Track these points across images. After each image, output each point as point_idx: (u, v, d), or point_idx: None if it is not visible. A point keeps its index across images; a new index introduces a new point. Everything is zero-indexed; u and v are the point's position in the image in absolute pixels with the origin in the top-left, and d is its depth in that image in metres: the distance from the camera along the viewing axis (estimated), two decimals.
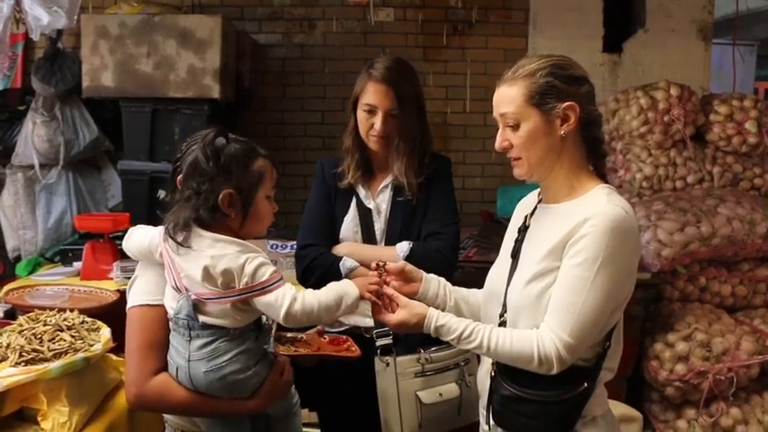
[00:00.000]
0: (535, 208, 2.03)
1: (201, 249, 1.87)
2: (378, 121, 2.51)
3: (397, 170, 2.58)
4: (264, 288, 1.88)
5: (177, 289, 1.90)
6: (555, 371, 1.79)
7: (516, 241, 2.02)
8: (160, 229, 1.96)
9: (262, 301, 1.89)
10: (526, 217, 2.04)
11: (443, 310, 2.07)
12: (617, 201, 1.83)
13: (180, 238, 1.87)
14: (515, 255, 1.99)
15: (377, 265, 2.13)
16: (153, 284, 1.98)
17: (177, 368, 1.92)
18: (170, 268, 1.91)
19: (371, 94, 2.53)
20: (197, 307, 1.88)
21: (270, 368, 2.00)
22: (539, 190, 2.06)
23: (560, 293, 1.80)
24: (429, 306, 2.01)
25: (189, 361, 1.89)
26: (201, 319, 1.88)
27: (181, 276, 1.89)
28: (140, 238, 2.01)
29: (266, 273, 1.88)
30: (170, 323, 1.93)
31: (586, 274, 1.76)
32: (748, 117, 3.71)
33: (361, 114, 2.56)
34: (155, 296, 1.96)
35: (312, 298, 1.93)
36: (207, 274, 1.85)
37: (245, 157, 1.93)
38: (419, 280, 2.15)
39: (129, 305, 2.00)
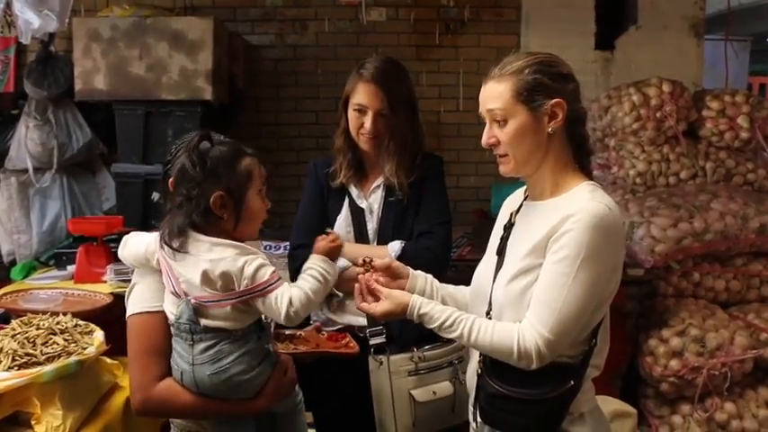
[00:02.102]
0: (521, 205, 2.04)
1: (200, 254, 1.88)
2: (368, 120, 2.52)
3: (387, 170, 2.58)
4: (265, 288, 1.90)
5: (176, 294, 1.91)
6: (534, 366, 1.79)
7: (502, 238, 2.02)
8: (155, 235, 1.97)
9: (263, 303, 1.91)
10: (512, 214, 2.05)
11: None
12: (600, 197, 1.83)
13: (176, 244, 1.88)
14: (501, 252, 2.00)
15: (363, 261, 2.15)
16: (151, 291, 1.98)
17: (182, 372, 1.93)
18: (168, 274, 1.92)
19: (362, 94, 2.53)
20: (198, 311, 1.89)
21: (273, 367, 2.02)
22: (525, 187, 2.06)
23: (542, 289, 1.80)
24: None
25: (193, 365, 1.90)
26: (203, 322, 1.89)
27: (180, 281, 1.90)
28: (136, 245, 2.01)
29: (266, 273, 1.90)
30: (171, 328, 1.94)
31: (568, 271, 1.76)
32: (740, 112, 3.72)
33: (351, 114, 2.56)
34: (153, 303, 1.97)
35: (299, 292, 1.95)
36: (206, 278, 1.86)
37: (232, 157, 1.94)
38: (406, 277, 2.16)
39: (128, 313, 2.00)
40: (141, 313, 1.98)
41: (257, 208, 1.99)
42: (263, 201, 2.01)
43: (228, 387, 1.93)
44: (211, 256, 1.87)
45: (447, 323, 1.89)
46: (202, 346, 1.90)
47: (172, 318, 1.93)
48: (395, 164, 2.56)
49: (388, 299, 2.01)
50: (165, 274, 1.93)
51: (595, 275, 1.78)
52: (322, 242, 2.10)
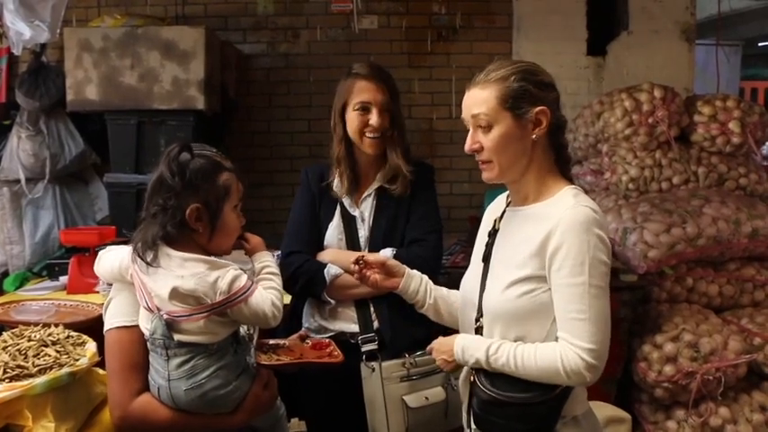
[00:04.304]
0: (504, 211, 2.05)
1: (171, 269, 1.88)
2: (374, 116, 2.52)
3: (395, 158, 2.59)
4: (245, 293, 1.90)
5: (150, 309, 1.90)
6: (590, 380, 1.80)
7: (487, 245, 2.03)
8: (129, 249, 1.96)
9: (244, 312, 1.91)
10: (495, 221, 2.06)
11: (422, 307, 2.19)
12: (584, 201, 1.86)
13: (149, 258, 1.87)
14: (486, 259, 2.00)
15: (356, 260, 2.20)
16: (128, 305, 1.98)
17: (159, 388, 1.93)
18: (141, 289, 1.91)
19: (364, 92, 2.53)
20: (171, 326, 1.88)
21: (252, 381, 2.01)
22: (507, 193, 2.08)
23: (564, 306, 1.81)
24: (410, 300, 2.19)
25: (169, 380, 1.90)
26: (177, 337, 1.88)
27: (152, 297, 1.89)
28: (110, 261, 2.01)
29: (242, 281, 1.91)
30: (147, 344, 1.93)
31: (580, 280, 1.79)
32: (731, 117, 3.72)
33: (352, 116, 2.55)
34: (131, 317, 1.96)
35: (273, 291, 1.99)
36: (176, 294, 1.85)
37: (211, 171, 1.93)
38: (401, 275, 2.20)
39: (105, 327, 2.00)
40: (119, 327, 1.97)
41: (232, 223, 1.98)
42: (238, 217, 2.01)
43: (205, 402, 1.92)
44: (182, 272, 1.87)
45: (491, 350, 1.89)
46: (177, 361, 1.89)
47: (146, 333, 1.92)
48: (401, 153, 2.58)
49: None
50: (138, 289, 1.92)
51: (603, 273, 1.82)
52: (254, 239, 2.13)
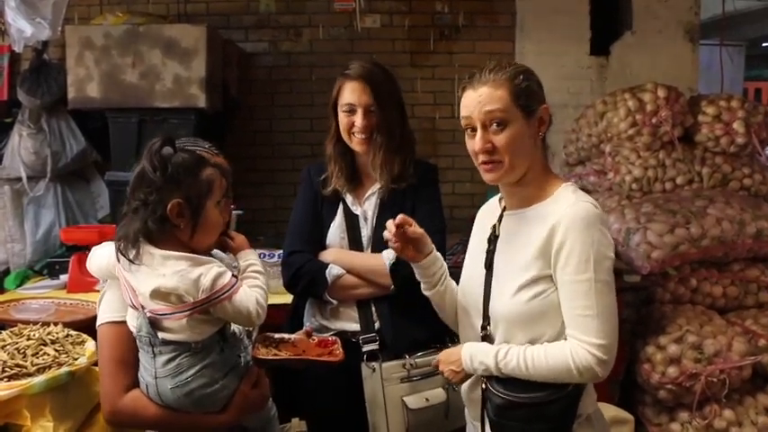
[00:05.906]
0: (501, 216, 2.03)
1: (153, 267, 1.85)
2: (358, 118, 2.50)
3: (373, 164, 2.56)
4: (230, 291, 1.87)
5: (134, 307, 1.88)
6: (602, 375, 1.81)
7: (488, 252, 2.01)
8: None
9: (227, 310, 1.88)
10: (494, 226, 2.04)
11: (430, 289, 2.15)
12: (584, 197, 1.88)
13: (131, 255, 1.85)
14: (489, 266, 1.99)
15: (398, 223, 2.05)
16: (118, 301, 1.95)
17: (147, 385, 1.92)
18: (126, 287, 1.89)
19: (349, 93, 2.52)
20: (155, 324, 1.86)
21: (240, 380, 1.98)
22: (498, 197, 2.06)
23: (571, 304, 1.82)
24: (423, 278, 2.14)
25: (156, 378, 1.88)
26: (161, 335, 1.86)
27: (136, 294, 1.87)
28: (100, 258, 1.99)
29: (226, 278, 1.88)
30: (136, 341, 1.91)
31: (586, 276, 1.79)
32: (736, 117, 3.70)
33: (341, 116, 2.55)
34: (121, 313, 1.95)
35: (258, 290, 1.95)
36: (157, 293, 1.83)
37: (194, 165, 1.89)
38: (427, 253, 2.14)
39: (97, 323, 1.99)
40: (110, 323, 1.96)
41: (215, 219, 1.94)
42: (221, 213, 1.97)
43: (191, 401, 1.90)
44: (164, 270, 1.84)
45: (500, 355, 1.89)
46: (163, 359, 1.88)
47: (134, 330, 1.90)
48: (381, 158, 2.54)
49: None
50: (123, 286, 1.90)
51: (608, 268, 1.83)
52: (239, 237, 2.11)
